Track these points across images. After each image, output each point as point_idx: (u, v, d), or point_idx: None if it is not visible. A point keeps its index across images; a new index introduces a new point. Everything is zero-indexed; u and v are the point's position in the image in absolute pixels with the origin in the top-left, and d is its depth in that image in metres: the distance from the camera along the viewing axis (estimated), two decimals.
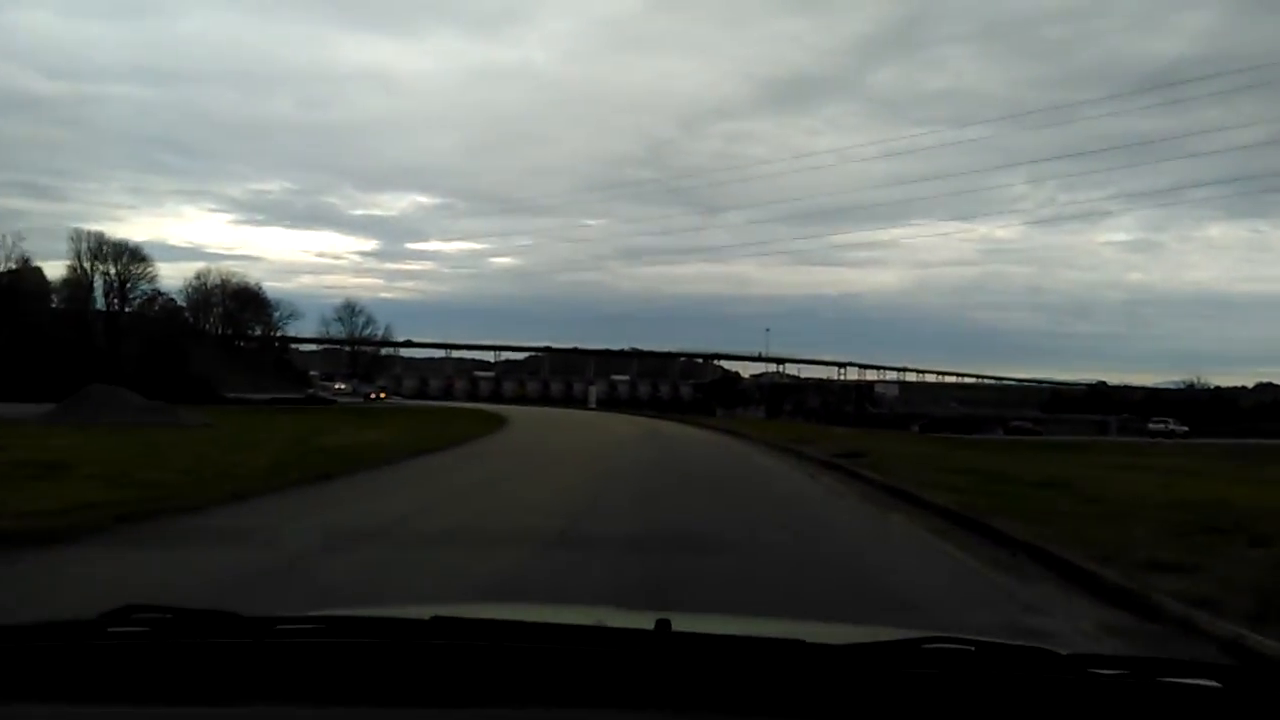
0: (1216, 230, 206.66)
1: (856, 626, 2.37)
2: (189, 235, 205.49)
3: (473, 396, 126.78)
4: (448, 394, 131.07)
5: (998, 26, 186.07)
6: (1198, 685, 1.70)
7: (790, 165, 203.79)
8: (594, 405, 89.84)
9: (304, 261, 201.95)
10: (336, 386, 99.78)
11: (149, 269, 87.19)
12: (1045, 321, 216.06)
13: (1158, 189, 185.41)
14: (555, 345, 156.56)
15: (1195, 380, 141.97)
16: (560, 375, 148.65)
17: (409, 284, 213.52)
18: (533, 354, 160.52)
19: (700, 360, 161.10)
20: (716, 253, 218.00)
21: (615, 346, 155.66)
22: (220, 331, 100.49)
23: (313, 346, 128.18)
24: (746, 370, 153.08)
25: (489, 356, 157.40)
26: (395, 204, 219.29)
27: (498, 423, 45.22)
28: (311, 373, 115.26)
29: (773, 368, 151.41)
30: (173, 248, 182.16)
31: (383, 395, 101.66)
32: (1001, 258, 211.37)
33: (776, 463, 25.00)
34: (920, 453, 23.82)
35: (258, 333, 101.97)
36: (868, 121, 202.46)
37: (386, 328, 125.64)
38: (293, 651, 1.77)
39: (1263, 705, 1.67)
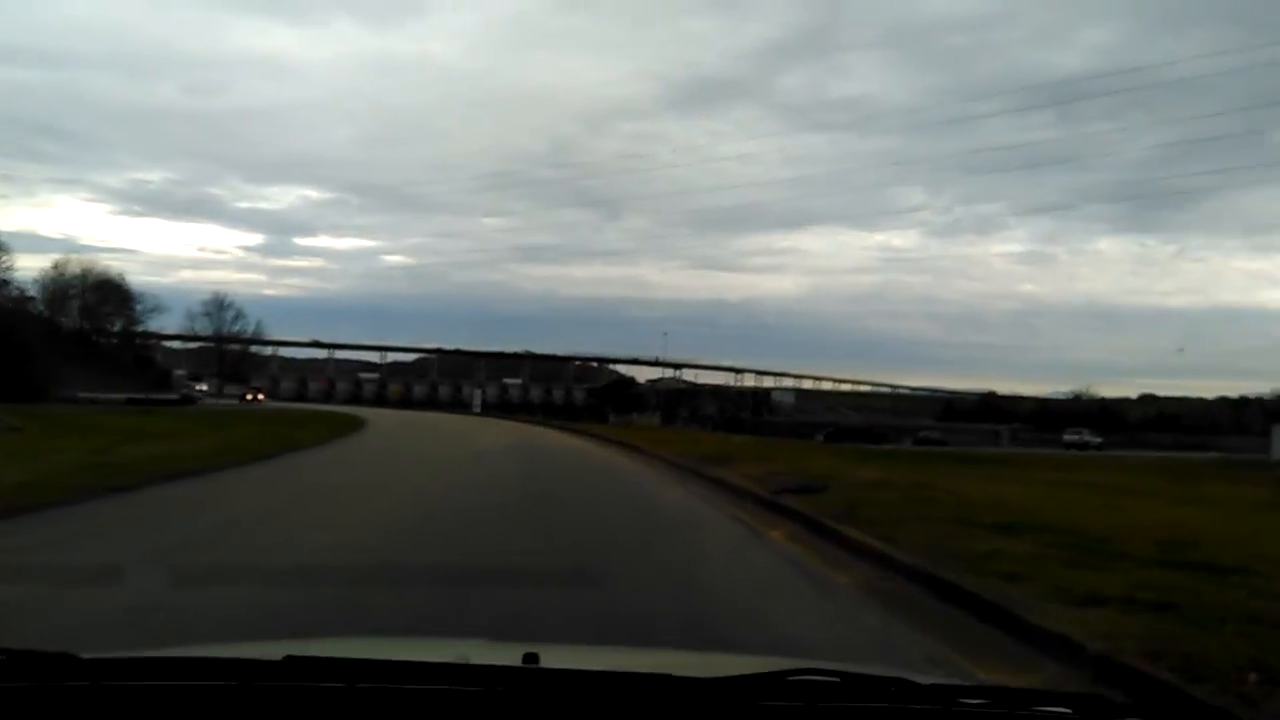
0: (1106, 244, 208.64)
1: (727, 656, 2.22)
2: (62, 226, 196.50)
3: (356, 399, 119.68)
4: (328, 397, 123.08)
5: (902, 35, 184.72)
6: (1053, 713, 1.77)
7: (693, 168, 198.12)
8: (478, 410, 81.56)
9: (184, 256, 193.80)
10: (198, 387, 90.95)
11: (3, 258, 78.04)
12: (940, 331, 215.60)
13: (1050, 202, 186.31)
14: (444, 346, 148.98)
15: (1083, 391, 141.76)
16: (450, 378, 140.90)
17: (296, 281, 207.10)
18: (422, 355, 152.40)
19: (595, 364, 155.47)
20: (617, 255, 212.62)
21: (511, 349, 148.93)
22: (80, 326, 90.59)
23: (177, 344, 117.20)
24: (643, 375, 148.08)
25: (374, 357, 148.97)
26: (283, 197, 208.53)
27: (352, 429, 40.19)
28: (178, 372, 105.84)
29: (670, 373, 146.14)
30: (43, 239, 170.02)
31: (260, 397, 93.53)
32: (899, 267, 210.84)
33: (686, 496, 17.71)
34: (882, 480, 17.72)
35: (117, 328, 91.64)
36: (773, 126, 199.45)
37: (258, 324, 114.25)
38: (135, 695, 1.69)
39: None
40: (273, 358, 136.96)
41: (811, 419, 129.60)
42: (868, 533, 10.95)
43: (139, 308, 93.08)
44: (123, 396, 69.58)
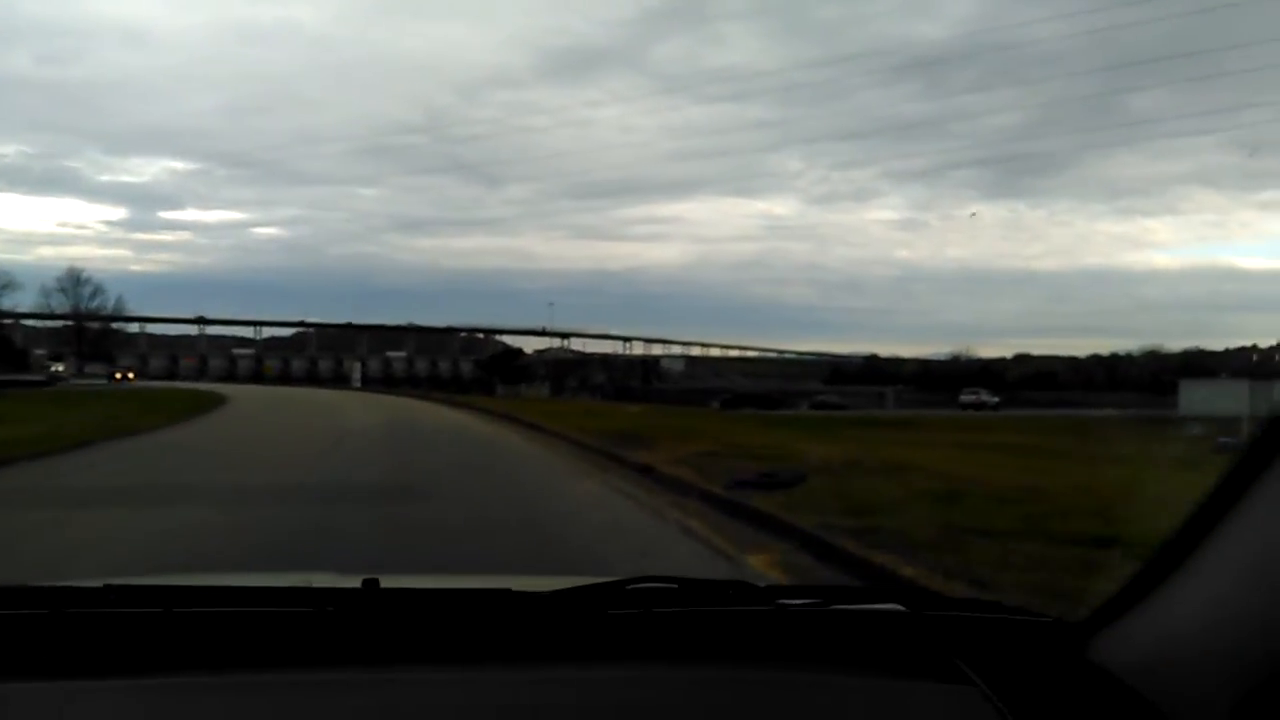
0: (976, 209, 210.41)
1: (566, 577, 2.00)
2: None
3: (231, 376, 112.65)
4: (200, 374, 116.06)
5: (774, 4, 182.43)
6: (885, 610, 1.77)
7: (573, 138, 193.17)
8: (358, 384, 75.68)
9: (42, 232, 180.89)
10: (55, 367, 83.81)
11: None
12: (821, 296, 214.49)
13: (922, 169, 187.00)
14: (325, 319, 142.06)
15: (963, 352, 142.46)
16: (330, 352, 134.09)
17: (163, 256, 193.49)
18: (300, 329, 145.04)
19: (481, 335, 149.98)
20: (498, 225, 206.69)
21: (392, 322, 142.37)
22: None
23: (35, 322, 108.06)
24: (530, 345, 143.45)
25: (249, 332, 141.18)
26: (147, 169, 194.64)
27: (210, 408, 35.80)
28: (38, 352, 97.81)
29: (557, 342, 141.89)
30: None
31: (130, 376, 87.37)
32: (781, 234, 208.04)
33: (606, 493, 13.39)
34: (852, 460, 13.97)
35: None
36: (650, 95, 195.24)
37: (119, 299, 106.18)
38: None
39: (943, 624, 1.75)
40: (139, 334, 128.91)
41: (701, 385, 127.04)
42: (929, 564, 6.99)
43: None
44: None
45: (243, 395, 48.37)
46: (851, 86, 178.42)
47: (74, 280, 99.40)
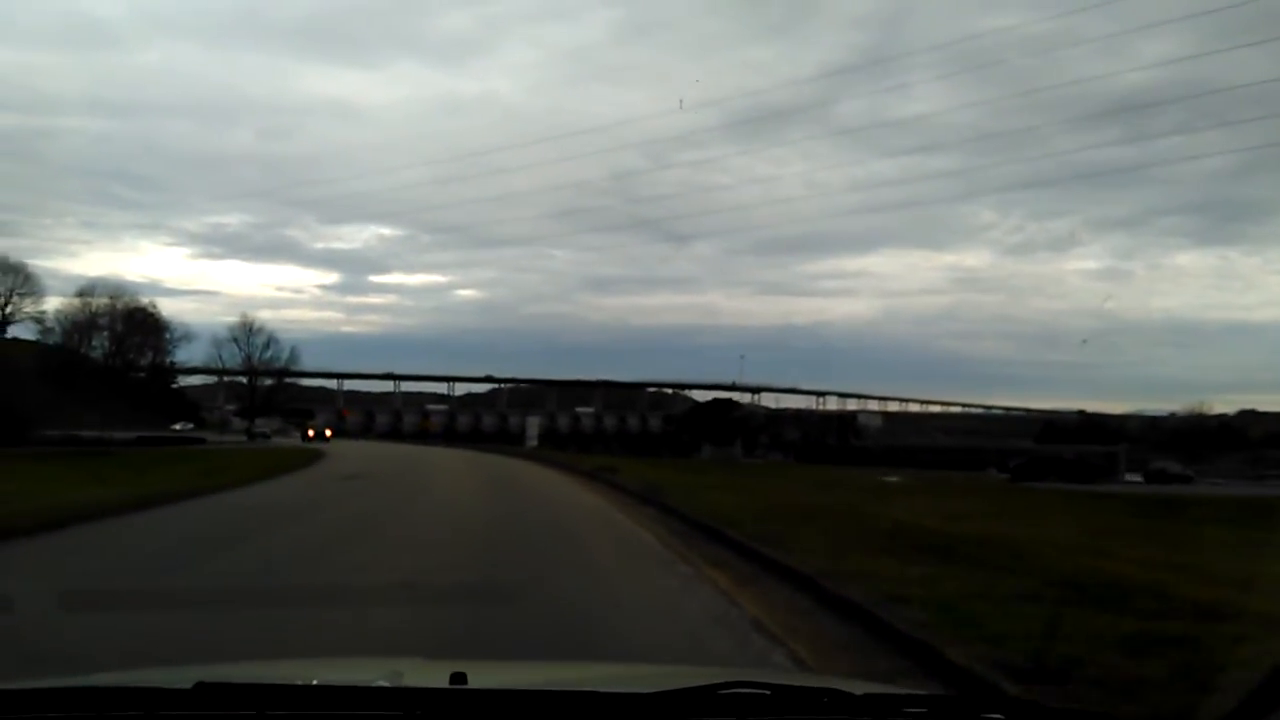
0: (1184, 258, 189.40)
1: (655, 667, 2.09)
2: (145, 269, 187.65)
3: (423, 432, 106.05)
4: (395, 431, 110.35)
5: (964, 54, 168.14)
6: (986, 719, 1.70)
7: (757, 194, 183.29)
8: (534, 442, 65.88)
9: (263, 295, 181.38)
10: (258, 425, 76.68)
11: (35, 288, 67.57)
12: (1014, 349, 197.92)
13: (1125, 217, 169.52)
14: (517, 376, 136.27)
15: (1195, 408, 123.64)
16: (519, 408, 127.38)
17: (372, 317, 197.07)
18: (494, 385, 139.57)
19: (670, 391, 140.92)
20: (684, 283, 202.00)
21: (581, 378, 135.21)
22: (110, 360, 78.44)
23: (203, 378, 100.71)
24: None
25: (443, 389, 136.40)
26: (357, 236, 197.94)
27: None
28: (228, 407, 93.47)
29: (748, 398, 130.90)
30: (130, 282, 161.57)
31: (328, 433, 76.65)
32: (971, 286, 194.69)
33: None
34: None
35: (147, 360, 78.85)
36: (835, 150, 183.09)
37: (292, 350, 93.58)
38: None
39: None
40: (339, 391, 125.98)
41: (904, 443, 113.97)
42: None
43: (169, 337, 79.64)
44: (133, 434, 59.16)
45: (373, 466, 39.58)
46: (1046, 133, 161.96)
47: (246, 330, 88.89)
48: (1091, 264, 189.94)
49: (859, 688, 1.89)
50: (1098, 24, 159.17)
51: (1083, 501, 24.46)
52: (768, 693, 1.70)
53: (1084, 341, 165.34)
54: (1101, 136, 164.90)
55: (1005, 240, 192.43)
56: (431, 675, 1.96)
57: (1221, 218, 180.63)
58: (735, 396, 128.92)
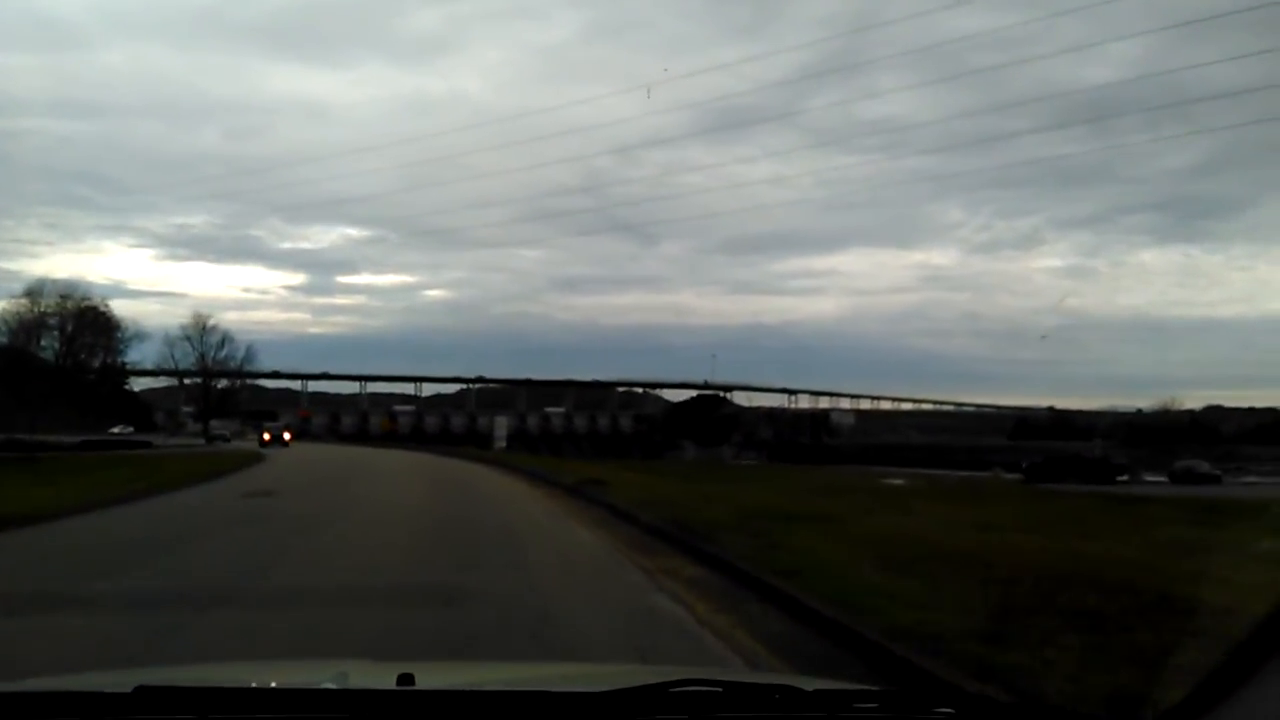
0: (1148, 255, 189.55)
1: (607, 667, 1.97)
2: (109, 271, 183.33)
3: (391, 434, 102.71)
4: (362, 433, 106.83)
5: (930, 54, 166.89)
6: (937, 714, 1.66)
7: (727, 194, 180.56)
8: (503, 443, 62.42)
9: (229, 297, 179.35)
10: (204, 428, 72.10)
11: None
12: (983, 347, 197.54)
13: (1089, 215, 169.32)
14: (485, 375, 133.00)
15: (1168, 404, 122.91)
16: (489, 409, 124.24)
17: (339, 318, 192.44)
18: (462, 386, 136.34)
19: (640, 390, 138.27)
20: (654, 282, 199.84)
21: (551, 377, 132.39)
22: (61, 360, 74.69)
23: (166, 380, 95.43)
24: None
25: (410, 389, 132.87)
26: (324, 237, 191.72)
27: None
28: (185, 409, 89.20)
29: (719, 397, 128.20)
30: (92, 284, 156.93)
31: (286, 437, 70.39)
32: (940, 284, 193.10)
33: None
34: None
35: (99, 360, 74.80)
36: (804, 150, 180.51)
37: (248, 350, 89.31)
38: None
39: None
40: (302, 392, 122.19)
41: (878, 441, 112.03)
42: None
43: (120, 336, 75.64)
44: (78, 439, 56.03)
45: (326, 465, 36.77)
46: (1013, 133, 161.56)
47: (200, 329, 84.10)
48: (1057, 262, 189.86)
49: (810, 684, 1.85)
50: (1065, 25, 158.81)
51: (1126, 508, 22.00)
52: (720, 690, 1.66)
53: (1043, 337, 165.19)
54: (1067, 136, 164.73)
55: (972, 239, 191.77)
56: (379, 677, 1.92)
57: (1184, 215, 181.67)
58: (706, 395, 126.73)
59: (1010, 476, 49.05)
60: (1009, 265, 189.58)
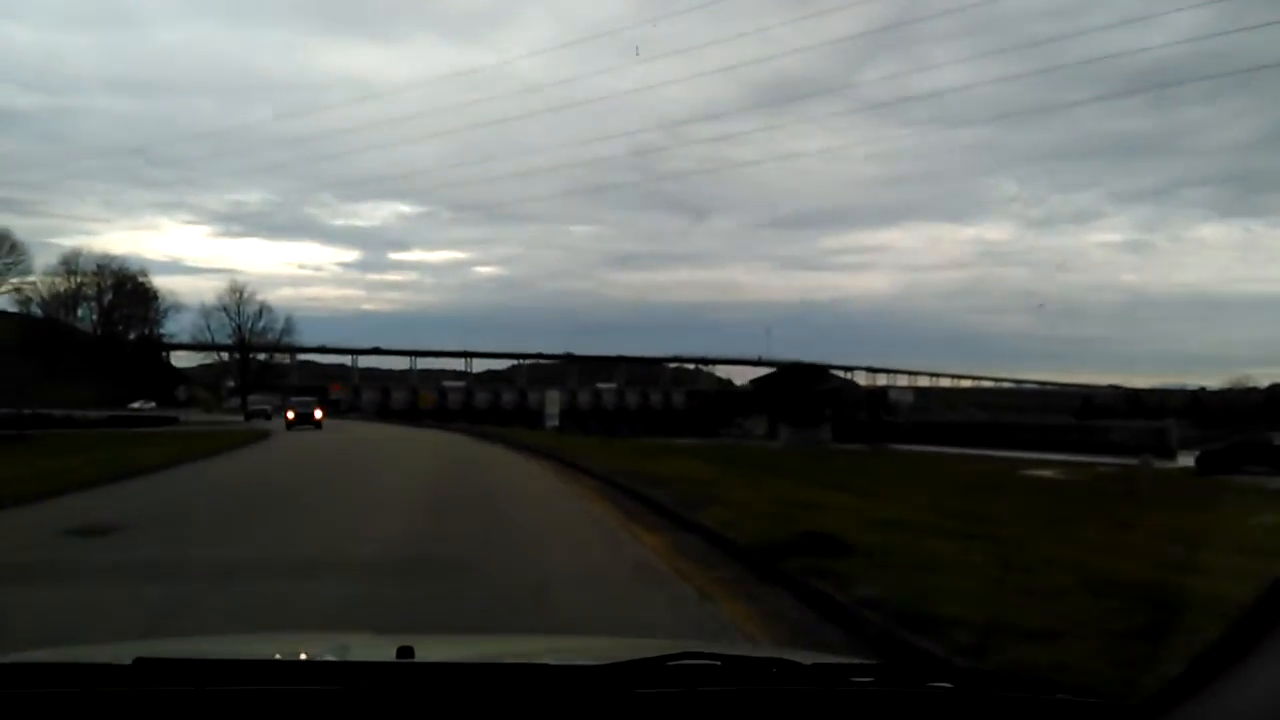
0: (1208, 230, 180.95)
1: (605, 640, 1.94)
2: (166, 248, 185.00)
3: (441, 409, 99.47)
4: (411, 408, 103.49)
5: (986, 25, 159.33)
6: (934, 688, 1.65)
7: (777, 169, 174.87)
8: (555, 423, 57.86)
9: (284, 274, 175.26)
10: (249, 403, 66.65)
11: (20, 259, 61.04)
12: (1038, 324, 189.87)
13: (1149, 188, 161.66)
14: (539, 351, 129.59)
15: (1239, 382, 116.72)
16: (539, 384, 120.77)
17: (392, 295, 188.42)
18: (514, 362, 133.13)
19: (692, 366, 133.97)
20: (705, 258, 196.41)
21: (602, 353, 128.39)
22: (97, 331, 71.99)
23: (201, 356, 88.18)
24: (743, 376, 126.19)
25: (460, 364, 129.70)
26: (377, 213, 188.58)
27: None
28: (229, 383, 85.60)
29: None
30: (150, 261, 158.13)
31: (318, 414, 54.07)
32: (993, 260, 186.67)
33: None
34: None
35: (137, 332, 71.91)
36: (856, 123, 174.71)
37: (287, 321, 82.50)
38: None
39: (989, 705, 1.62)
40: (353, 368, 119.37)
41: (938, 419, 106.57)
42: None
43: (157, 307, 72.13)
44: (104, 414, 53.67)
45: (387, 442, 32.30)
46: (1070, 105, 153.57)
47: (236, 299, 77.32)
48: (1115, 236, 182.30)
49: (808, 658, 1.85)
50: None
51: None
52: (717, 664, 1.66)
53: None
54: (1125, 107, 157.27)
55: (1028, 213, 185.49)
56: (379, 649, 1.92)
57: (1246, 189, 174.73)
58: (760, 372, 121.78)
59: (1161, 465, 40.98)
60: (1064, 240, 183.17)
